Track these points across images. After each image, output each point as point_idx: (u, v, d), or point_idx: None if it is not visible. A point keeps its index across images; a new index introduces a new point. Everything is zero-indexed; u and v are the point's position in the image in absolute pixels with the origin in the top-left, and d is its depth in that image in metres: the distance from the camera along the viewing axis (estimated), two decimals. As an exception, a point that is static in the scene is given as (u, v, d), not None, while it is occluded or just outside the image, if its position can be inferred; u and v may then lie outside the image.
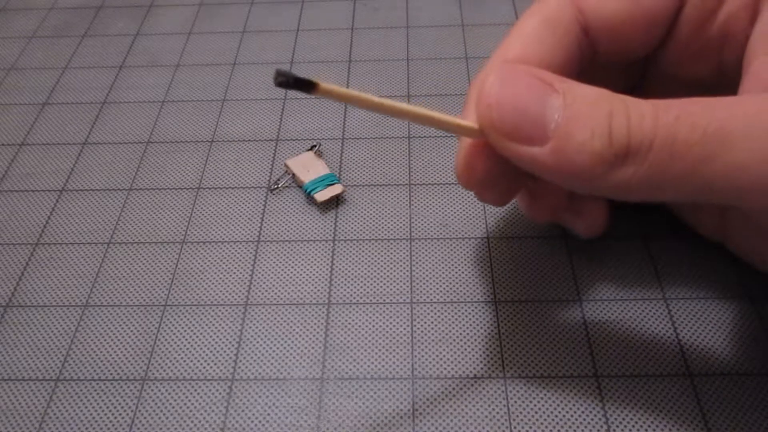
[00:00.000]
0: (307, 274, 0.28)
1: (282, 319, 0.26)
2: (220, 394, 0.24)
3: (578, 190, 0.19)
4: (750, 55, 0.21)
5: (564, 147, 0.18)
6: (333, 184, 0.30)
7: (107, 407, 0.24)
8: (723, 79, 0.23)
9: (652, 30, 0.22)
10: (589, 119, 0.18)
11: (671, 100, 0.18)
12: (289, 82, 0.18)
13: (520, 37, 0.22)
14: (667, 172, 0.17)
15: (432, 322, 0.26)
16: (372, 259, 0.28)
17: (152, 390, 0.24)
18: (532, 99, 0.18)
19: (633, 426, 0.23)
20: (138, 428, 0.23)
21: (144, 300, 0.27)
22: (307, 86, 0.18)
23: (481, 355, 0.25)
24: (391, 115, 0.20)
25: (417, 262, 0.28)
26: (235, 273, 0.28)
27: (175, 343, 0.26)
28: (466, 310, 0.26)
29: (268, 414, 0.24)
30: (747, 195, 0.17)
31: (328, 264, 0.28)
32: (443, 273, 0.27)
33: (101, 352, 0.26)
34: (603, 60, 0.23)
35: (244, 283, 0.27)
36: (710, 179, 0.17)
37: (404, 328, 0.26)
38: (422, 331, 0.26)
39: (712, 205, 0.25)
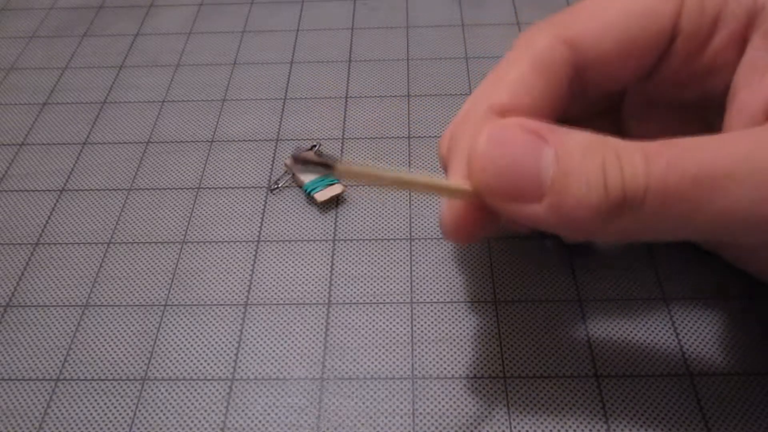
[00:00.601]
0: (307, 274, 0.28)
1: (282, 319, 0.26)
2: (220, 394, 0.24)
3: (579, 237, 0.19)
4: (736, 87, 0.21)
5: (561, 202, 0.18)
6: (333, 184, 0.30)
7: (107, 407, 0.24)
8: (707, 102, 0.23)
9: (642, 64, 0.22)
10: (584, 172, 0.18)
11: (661, 143, 0.18)
12: (308, 166, 0.18)
13: (507, 82, 0.21)
14: (662, 219, 0.18)
15: (432, 322, 0.26)
16: (372, 259, 0.28)
17: (152, 390, 0.24)
18: (525, 157, 0.18)
19: (633, 426, 0.23)
20: (138, 428, 0.23)
21: (144, 300, 0.27)
22: (325, 167, 0.18)
23: (481, 355, 0.25)
24: (406, 186, 0.20)
25: (417, 262, 0.28)
26: (235, 273, 0.28)
27: (175, 343, 0.26)
28: (466, 310, 0.26)
29: (268, 414, 0.24)
30: (741, 236, 0.18)
31: (328, 264, 0.28)
32: (443, 273, 0.27)
33: (101, 352, 0.26)
34: (591, 93, 0.23)
35: (244, 283, 0.27)
36: (704, 224, 0.17)
37: (404, 328, 0.26)
38: (422, 331, 0.26)
39: None
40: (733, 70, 0.22)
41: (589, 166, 0.18)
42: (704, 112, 0.23)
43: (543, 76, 0.21)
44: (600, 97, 0.25)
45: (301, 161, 0.18)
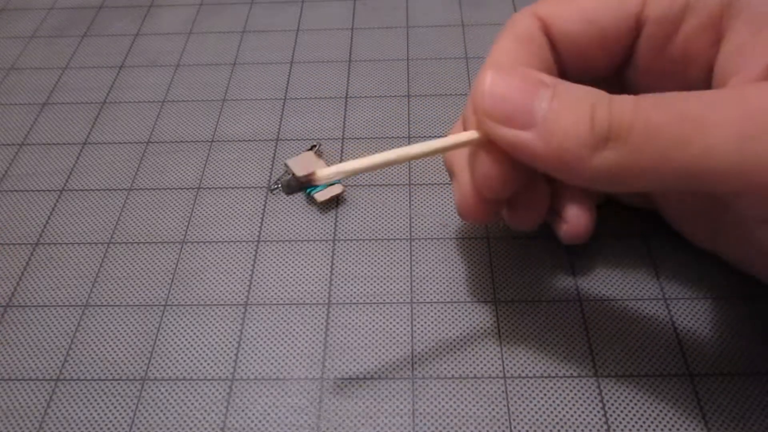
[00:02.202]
0: (307, 274, 0.28)
1: (282, 319, 0.26)
2: (220, 394, 0.24)
3: (565, 178, 0.20)
4: (722, 75, 0.21)
5: (550, 131, 0.19)
6: (333, 184, 0.30)
7: (107, 407, 0.24)
8: None
9: (610, 50, 0.24)
10: (575, 108, 0.19)
11: (652, 95, 0.19)
12: (294, 189, 0.20)
13: (494, 57, 0.23)
14: (646, 154, 0.18)
15: (432, 322, 0.26)
16: (372, 259, 0.28)
17: (152, 390, 0.24)
18: (523, 89, 0.20)
19: (633, 426, 0.23)
20: (138, 428, 0.23)
21: (144, 300, 0.27)
22: (308, 182, 0.20)
23: (481, 355, 0.25)
24: (395, 163, 0.21)
25: (417, 262, 0.28)
26: (235, 273, 0.28)
27: (175, 343, 0.26)
28: (466, 310, 0.26)
29: (268, 414, 0.24)
30: (722, 179, 0.18)
31: (328, 264, 0.28)
32: (443, 273, 0.27)
33: (101, 352, 0.26)
34: (573, 76, 0.24)
35: (244, 283, 0.27)
36: (686, 163, 0.18)
37: (404, 328, 0.26)
38: (422, 331, 0.26)
39: (702, 213, 0.25)
40: (708, 59, 0.22)
41: (581, 104, 0.19)
42: None
43: (525, 49, 0.23)
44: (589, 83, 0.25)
45: (286, 187, 0.20)
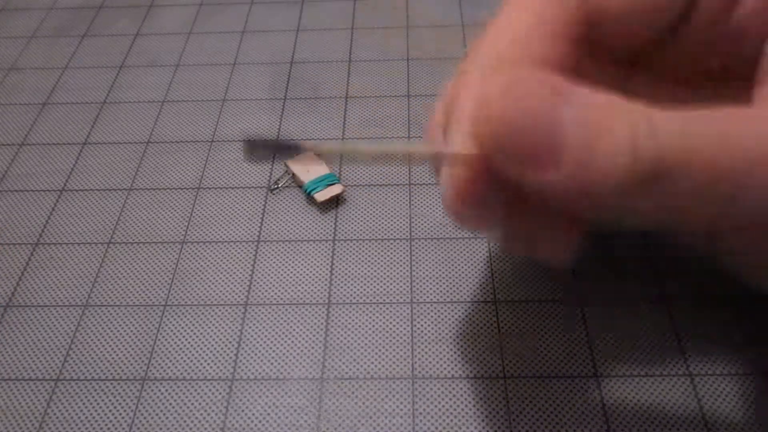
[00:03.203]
0: (307, 274, 0.28)
1: (282, 319, 0.26)
2: (220, 394, 0.24)
3: (592, 213, 0.17)
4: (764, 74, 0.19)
5: (584, 165, 0.15)
6: (333, 184, 0.30)
7: (107, 407, 0.24)
8: (728, 74, 0.21)
9: (662, 15, 0.20)
10: (610, 136, 0.15)
11: (696, 113, 0.16)
12: (258, 149, 0.17)
13: (512, 33, 0.19)
14: (701, 196, 0.15)
15: (432, 322, 0.26)
16: (372, 259, 0.28)
17: (152, 390, 0.24)
18: (542, 112, 0.16)
19: (633, 426, 0.23)
20: (138, 428, 0.23)
21: (144, 300, 0.27)
22: (294, 149, 0.17)
23: (481, 355, 0.25)
24: (383, 156, 0.18)
25: (417, 262, 0.28)
26: (235, 273, 0.28)
27: (175, 343, 0.26)
28: (466, 310, 0.26)
29: (268, 414, 0.24)
30: None
31: (328, 264, 0.28)
32: (443, 273, 0.27)
33: (101, 352, 0.26)
34: (605, 47, 0.21)
35: (244, 283, 0.27)
36: (755, 199, 0.15)
37: (404, 328, 0.26)
38: (422, 331, 0.26)
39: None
40: (763, 38, 0.19)
41: (618, 126, 0.15)
42: (723, 85, 0.21)
43: (551, 26, 0.19)
44: (615, 57, 0.22)
45: (248, 148, 0.17)
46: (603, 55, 0.21)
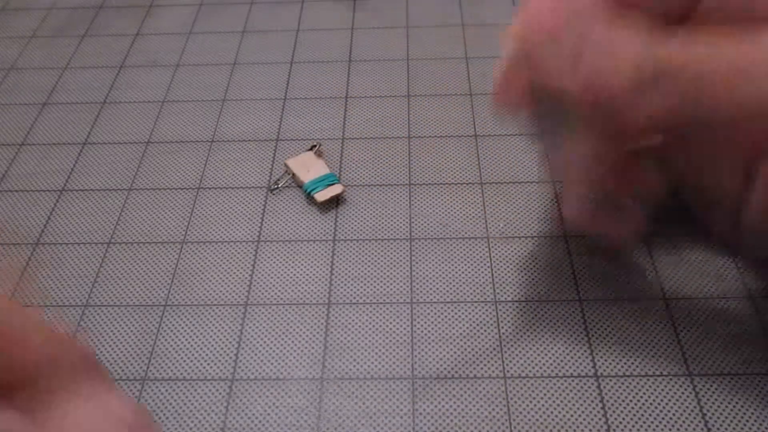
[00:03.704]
0: (307, 274, 0.28)
1: (282, 319, 0.26)
2: (220, 394, 0.24)
3: (610, 121, 0.20)
4: None
5: (597, 72, 0.19)
6: (333, 184, 0.30)
7: (107, 407, 0.24)
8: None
9: None
10: (622, 49, 0.19)
11: (700, 36, 0.19)
12: None
13: None
14: (695, 95, 0.18)
15: (432, 322, 0.26)
16: (372, 259, 0.28)
17: (152, 390, 0.24)
18: (570, 29, 0.19)
19: (633, 426, 0.23)
20: (138, 428, 0.23)
21: (144, 300, 0.27)
22: None
23: (481, 355, 0.25)
24: None
25: (417, 262, 0.28)
26: (235, 273, 0.28)
27: (175, 343, 0.26)
28: (466, 310, 0.26)
29: (268, 414, 0.24)
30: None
31: (328, 264, 0.28)
32: (443, 273, 0.27)
33: (101, 352, 0.26)
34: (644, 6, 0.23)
35: (244, 283, 0.27)
36: (735, 104, 0.18)
37: (404, 328, 0.26)
38: (422, 331, 0.26)
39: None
40: None
41: (629, 44, 0.19)
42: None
43: None
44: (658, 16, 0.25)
45: None
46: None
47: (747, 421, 0.22)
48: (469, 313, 0.26)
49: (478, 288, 0.27)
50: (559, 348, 0.25)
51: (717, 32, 0.19)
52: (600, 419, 0.23)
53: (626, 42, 0.19)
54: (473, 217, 0.29)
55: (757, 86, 0.18)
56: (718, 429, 0.22)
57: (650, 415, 0.23)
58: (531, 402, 0.23)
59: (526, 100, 0.23)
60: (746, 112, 0.18)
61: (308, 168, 0.31)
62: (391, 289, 0.27)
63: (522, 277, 0.27)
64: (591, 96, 0.19)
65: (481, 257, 0.28)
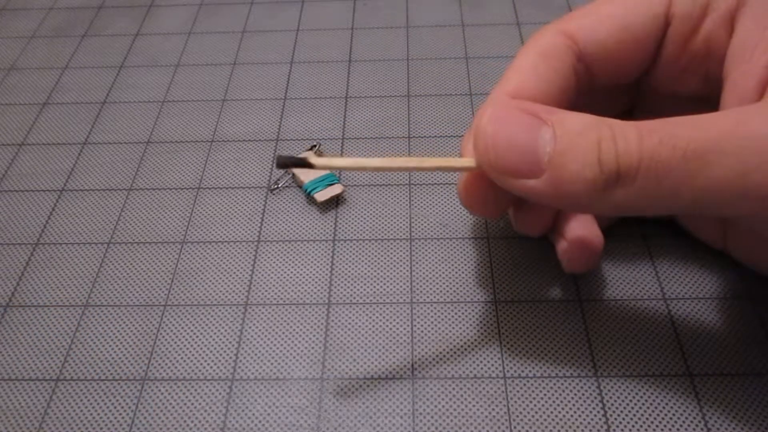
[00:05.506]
0: (307, 274, 0.28)
1: (282, 319, 0.26)
2: (220, 394, 0.24)
3: (577, 212, 0.21)
4: (727, 68, 0.22)
5: (558, 178, 0.19)
6: (333, 184, 0.30)
7: (107, 407, 0.24)
8: (711, 91, 0.23)
9: (641, 52, 0.24)
10: (579, 149, 0.19)
11: (655, 122, 0.19)
12: (288, 164, 0.21)
13: (517, 71, 0.23)
14: (655, 191, 0.18)
15: (432, 322, 0.26)
16: (372, 259, 0.28)
17: (152, 390, 0.24)
18: (524, 135, 0.20)
19: (633, 426, 0.23)
20: (138, 428, 0.23)
21: (144, 300, 0.27)
22: (305, 164, 0.21)
23: (481, 355, 0.25)
24: (391, 170, 0.22)
25: (417, 262, 0.28)
26: (235, 273, 0.28)
27: (175, 343, 0.26)
28: (466, 310, 0.26)
29: (268, 414, 0.24)
30: (727, 208, 0.19)
31: (328, 264, 0.28)
32: (443, 273, 0.27)
33: (101, 352, 0.26)
34: (600, 83, 0.24)
35: (244, 283, 0.27)
36: (694, 195, 0.18)
37: (404, 328, 0.26)
38: (422, 331, 0.26)
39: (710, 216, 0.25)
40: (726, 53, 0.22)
41: (585, 142, 0.19)
42: (712, 104, 0.24)
43: (548, 64, 0.23)
44: (616, 92, 0.26)
45: (282, 164, 0.21)
46: (600, 91, 0.25)
47: (747, 421, 0.22)
48: (469, 313, 0.26)
49: (478, 288, 0.27)
50: (559, 348, 0.25)
51: (666, 120, 0.19)
52: (600, 419, 0.23)
53: (585, 128, 0.19)
54: (473, 217, 0.29)
55: (715, 169, 0.18)
56: (718, 429, 0.22)
57: (650, 415, 0.23)
58: (531, 402, 0.23)
59: (491, 206, 0.24)
60: (709, 197, 0.18)
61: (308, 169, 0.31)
62: (391, 289, 0.27)
63: (522, 277, 0.27)
64: (556, 198, 0.20)
65: (481, 257, 0.28)
